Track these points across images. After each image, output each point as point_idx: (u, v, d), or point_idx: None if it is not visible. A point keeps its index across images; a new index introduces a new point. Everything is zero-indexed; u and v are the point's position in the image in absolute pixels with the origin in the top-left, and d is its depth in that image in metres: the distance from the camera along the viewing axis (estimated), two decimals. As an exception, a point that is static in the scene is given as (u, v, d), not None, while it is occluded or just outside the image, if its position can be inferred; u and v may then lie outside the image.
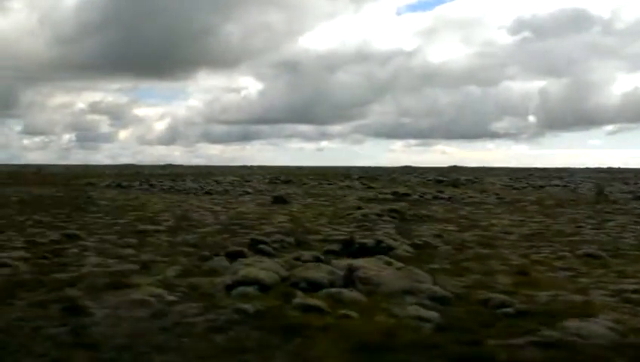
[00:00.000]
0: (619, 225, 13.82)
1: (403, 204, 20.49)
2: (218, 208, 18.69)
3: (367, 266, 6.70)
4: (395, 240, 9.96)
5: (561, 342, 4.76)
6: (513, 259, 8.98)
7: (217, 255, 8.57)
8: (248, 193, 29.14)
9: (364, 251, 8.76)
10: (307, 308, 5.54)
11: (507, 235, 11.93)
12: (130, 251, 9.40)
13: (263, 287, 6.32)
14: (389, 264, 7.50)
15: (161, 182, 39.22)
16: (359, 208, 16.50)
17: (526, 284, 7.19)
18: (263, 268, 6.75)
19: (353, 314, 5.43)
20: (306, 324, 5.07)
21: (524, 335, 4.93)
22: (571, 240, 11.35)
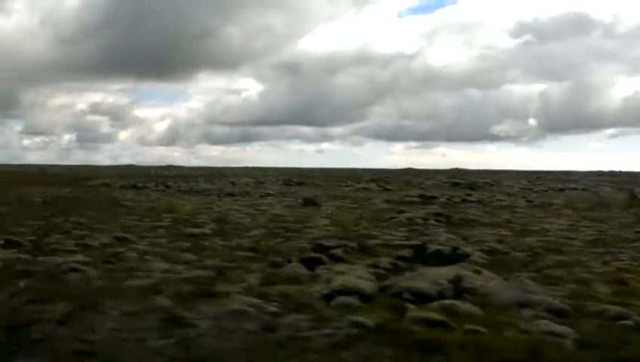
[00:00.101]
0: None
1: (435, 206, 20.13)
2: (251, 210, 18.25)
3: (470, 276, 6.27)
4: (462, 246, 9.52)
5: None
6: (596, 267, 8.54)
7: (289, 261, 8.15)
8: (270, 195, 28.72)
9: (440, 258, 8.34)
10: (429, 323, 5.12)
11: (569, 241, 11.48)
12: (191, 256, 8.97)
13: (364, 297, 5.90)
14: (478, 272, 7.09)
15: (176, 183, 38.83)
16: (401, 212, 16.07)
17: (628, 294, 6.77)
18: (359, 277, 6.32)
19: (481, 329, 5.01)
20: (438, 340, 4.65)
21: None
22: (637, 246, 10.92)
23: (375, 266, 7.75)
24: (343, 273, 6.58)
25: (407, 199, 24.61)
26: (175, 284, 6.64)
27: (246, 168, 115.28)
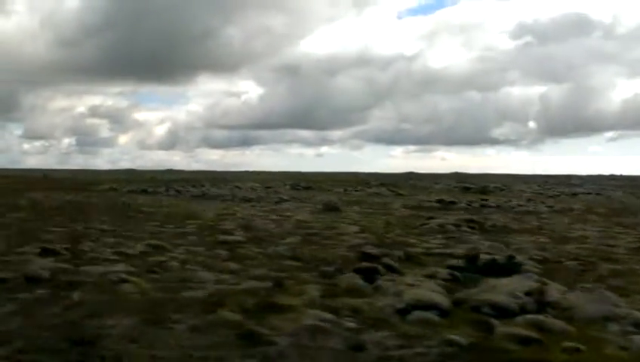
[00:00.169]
0: None
1: (455, 211, 19.87)
2: (273, 216, 17.95)
3: (546, 288, 5.98)
4: (515, 255, 9.24)
5: None
6: (657, 277, 8.27)
7: (339, 270, 7.86)
8: (284, 200, 28.41)
9: (496, 268, 8.05)
10: (522, 340, 4.84)
11: (612, 248, 11.18)
12: (234, 265, 8.69)
13: (442, 312, 5.61)
14: (545, 283, 6.81)
15: (185, 188, 38.54)
16: (430, 218, 15.78)
17: None
18: (431, 290, 6.04)
19: (580, 346, 4.73)
20: (539, 360, 4.36)
21: None
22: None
23: (432, 277, 7.46)
24: (411, 285, 6.29)
25: (427, 204, 24.32)
26: (234, 296, 6.36)
27: (247, 172, 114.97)
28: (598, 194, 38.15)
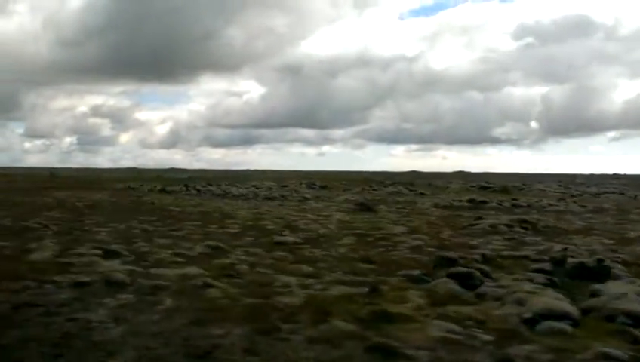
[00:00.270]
0: None
1: (486, 211, 19.46)
2: (309, 215, 17.56)
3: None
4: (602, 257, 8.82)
5: None
6: None
7: (426, 275, 7.47)
8: (308, 199, 28.03)
9: (586, 271, 7.65)
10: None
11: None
12: (307, 268, 8.29)
13: (574, 322, 5.22)
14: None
15: (205, 187, 38.19)
16: (479, 218, 15.37)
17: None
18: (554, 298, 5.65)
19: None
20: None
21: None
22: None
23: (529, 282, 7.06)
24: (531, 293, 5.89)
25: (457, 204, 23.90)
26: (335, 303, 5.97)
27: (257, 171, 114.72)
28: (621, 193, 37.66)
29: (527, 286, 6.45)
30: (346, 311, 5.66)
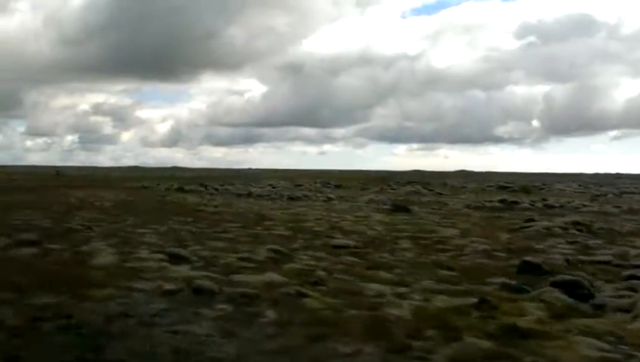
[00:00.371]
0: None
1: (521, 211, 19.04)
2: (346, 216, 17.13)
3: None
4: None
5: None
6: None
7: (523, 285, 7.05)
8: (332, 199, 27.62)
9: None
10: None
11: None
12: (387, 275, 7.89)
13: None
14: None
15: (224, 186, 37.83)
16: (529, 220, 14.95)
17: None
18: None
19: None
20: None
21: None
22: None
23: (632, 290, 6.65)
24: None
25: (489, 204, 23.47)
26: (450, 316, 5.56)
27: (267, 170, 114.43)
28: (644, 193, 37.18)
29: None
30: (469, 325, 5.25)
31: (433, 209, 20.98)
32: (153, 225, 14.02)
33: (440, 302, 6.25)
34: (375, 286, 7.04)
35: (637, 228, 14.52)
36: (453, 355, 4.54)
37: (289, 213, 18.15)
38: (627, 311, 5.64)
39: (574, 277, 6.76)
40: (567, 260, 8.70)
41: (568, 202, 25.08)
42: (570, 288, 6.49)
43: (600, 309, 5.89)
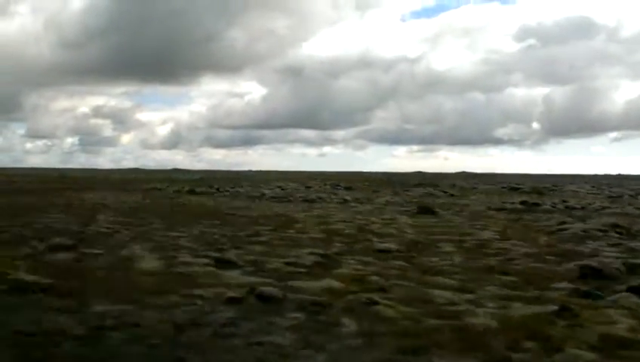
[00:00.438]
0: None
1: (555, 215, 18.78)
2: (375, 219, 16.85)
3: None
4: None
5: None
6: None
7: (599, 292, 6.76)
8: (348, 200, 27.36)
9: None
10: None
11: None
12: (445, 281, 7.61)
13: None
14: None
15: (235, 188, 37.59)
16: (564, 222, 14.69)
17: None
18: None
19: None
20: None
21: None
22: None
23: None
24: None
25: (510, 206, 23.19)
26: (537, 325, 5.28)
27: (273, 172, 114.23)
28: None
29: None
30: (564, 335, 4.98)
31: (457, 211, 20.71)
32: (182, 228, 13.78)
33: (518, 310, 5.98)
34: (440, 293, 6.77)
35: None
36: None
37: (313, 216, 17.88)
38: None
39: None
40: (624, 264, 8.41)
41: (589, 204, 24.81)
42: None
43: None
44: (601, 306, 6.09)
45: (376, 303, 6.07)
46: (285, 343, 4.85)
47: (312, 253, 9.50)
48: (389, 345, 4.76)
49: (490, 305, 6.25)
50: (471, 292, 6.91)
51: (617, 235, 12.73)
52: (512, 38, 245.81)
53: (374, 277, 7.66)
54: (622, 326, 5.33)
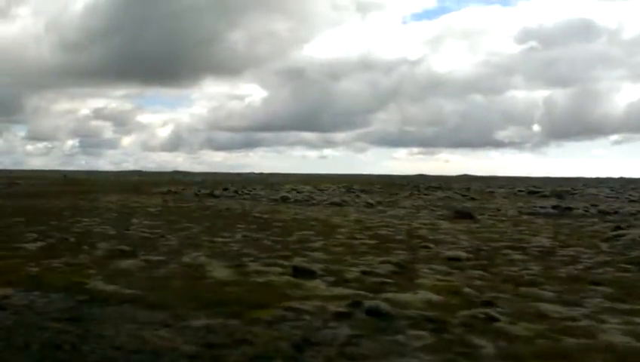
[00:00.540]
0: None
1: (594, 219, 18.35)
2: (415, 224, 16.42)
3: None
4: None
5: None
6: None
7: None
8: (372, 204, 26.92)
9: None
10: None
11: None
12: (542, 293, 7.14)
13: None
14: None
15: (251, 191, 37.15)
16: (618, 228, 14.24)
17: None
18: None
19: None
20: None
21: None
22: None
23: None
24: None
25: (542, 211, 22.74)
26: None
27: (281, 174, 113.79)
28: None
29: None
30: None
31: (492, 215, 20.26)
32: (223, 233, 13.37)
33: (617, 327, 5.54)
34: (548, 307, 6.31)
35: None
36: None
37: (351, 220, 17.45)
38: None
39: None
40: None
41: (619, 208, 24.32)
42: None
43: None
44: None
45: (494, 319, 5.63)
46: (428, 366, 4.42)
47: (384, 262, 9.07)
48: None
49: (612, 320, 5.81)
50: (578, 305, 6.47)
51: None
52: (513, 40, 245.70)
53: (467, 289, 7.20)
54: None
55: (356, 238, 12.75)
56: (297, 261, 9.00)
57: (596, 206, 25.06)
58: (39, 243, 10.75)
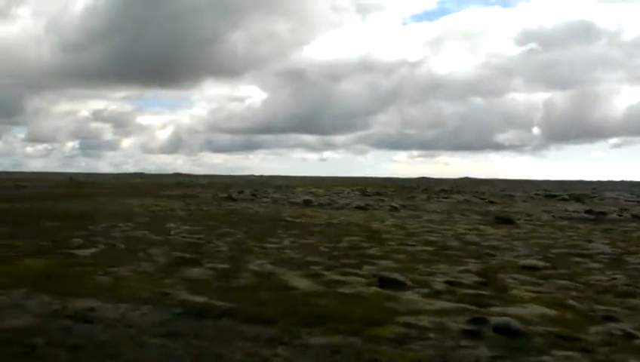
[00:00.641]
0: None
1: (632, 224, 17.91)
2: (460, 229, 15.95)
3: None
4: None
5: None
6: None
7: None
8: (396, 208, 26.45)
9: None
10: None
11: None
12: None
13: None
14: None
15: (269, 195, 36.75)
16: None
17: None
18: None
19: None
20: None
21: None
22: None
23: None
24: None
25: (575, 215, 22.29)
26: None
27: (290, 177, 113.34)
28: None
29: None
30: None
31: (528, 220, 19.81)
32: (269, 238, 12.96)
33: None
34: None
35: None
36: None
37: (389, 226, 17.00)
38: None
39: None
40: None
41: (654, 213, 23.88)
42: None
43: None
44: None
45: (632, 336, 5.19)
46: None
47: (463, 272, 8.66)
48: None
49: None
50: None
51: None
52: (513, 41, 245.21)
53: (571, 302, 6.77)
54: None
55: (408, 245, 12.31)
56: (372, 270, 8.58)
57: (627, 210, 24.62)
58: (90, 250, 10.32)
